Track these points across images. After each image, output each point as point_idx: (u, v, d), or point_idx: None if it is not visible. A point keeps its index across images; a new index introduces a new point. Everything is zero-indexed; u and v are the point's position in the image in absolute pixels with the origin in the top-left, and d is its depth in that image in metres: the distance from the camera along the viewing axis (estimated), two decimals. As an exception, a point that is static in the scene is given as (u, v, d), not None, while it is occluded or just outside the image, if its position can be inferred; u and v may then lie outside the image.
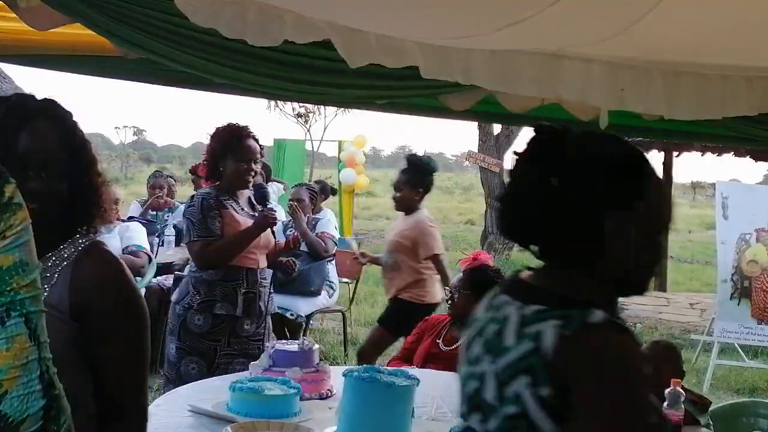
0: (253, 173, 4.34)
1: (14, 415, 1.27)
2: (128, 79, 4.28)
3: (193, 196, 4.45)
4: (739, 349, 8.18)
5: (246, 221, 4.28)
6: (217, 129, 4.38)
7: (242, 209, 4.35)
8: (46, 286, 1.80)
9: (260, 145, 4.44)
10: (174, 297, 4.43)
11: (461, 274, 4.34)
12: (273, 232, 4.39)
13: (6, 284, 1.29)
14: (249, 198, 4.44)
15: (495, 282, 4.27)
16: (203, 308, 4.19)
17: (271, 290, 4.47)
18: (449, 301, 4.30)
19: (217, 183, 4.36)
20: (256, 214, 4.33)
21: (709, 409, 3.33)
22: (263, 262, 4.38)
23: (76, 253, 1.90)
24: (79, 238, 1.94)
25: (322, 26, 3.08)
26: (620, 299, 1.69)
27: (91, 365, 1.85)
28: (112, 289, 1.90)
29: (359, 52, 3.16)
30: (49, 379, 1.33)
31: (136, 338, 1.92)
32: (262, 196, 4.37)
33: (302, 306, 7.20)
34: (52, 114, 1.93)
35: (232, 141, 4.30)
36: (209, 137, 4.42)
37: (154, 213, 8.40)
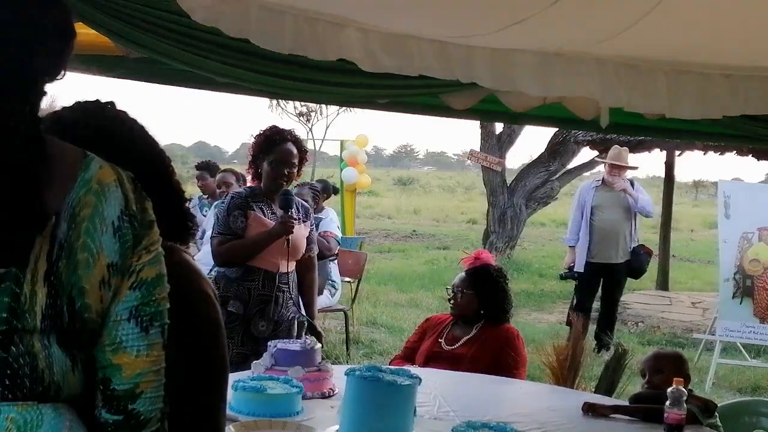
0: (286, 177, 4.35)
1: (146, 414, 1.45)
2: (130, 79, 4.27)
3: (227, 194, 4.61)
4: (742, 348, 8.18)
5: (271, 224, 4.29)
6: (260, 131, 4.43)
7: (273, 213, 4.36)
8: None
9: (303, 149, 4.44)
10: None
11: (463, 273, 4.33)
12: (287, 240, 4.29)
13: (152, 295, 1.45)
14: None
15: (497, 282, 4.30)
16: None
17: (292, 296, 4.43)
18: (451, 301, 4.30)
19: (258, 184, 4.43)
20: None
21: (716, 411, 3.32)
22: (285, 267, 4.35)
23: None
24: None
25: (321, 30, 3.08)
26: None
27: None
28: (177, 297, 1.62)
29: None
30: (166, 387, 1.49)
31: (206, 351, 1.77)
32: (286, 202, 4.34)
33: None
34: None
35: (267, 144, 4.34)
36: (252, 138, 4.47)
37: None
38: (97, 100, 1.84)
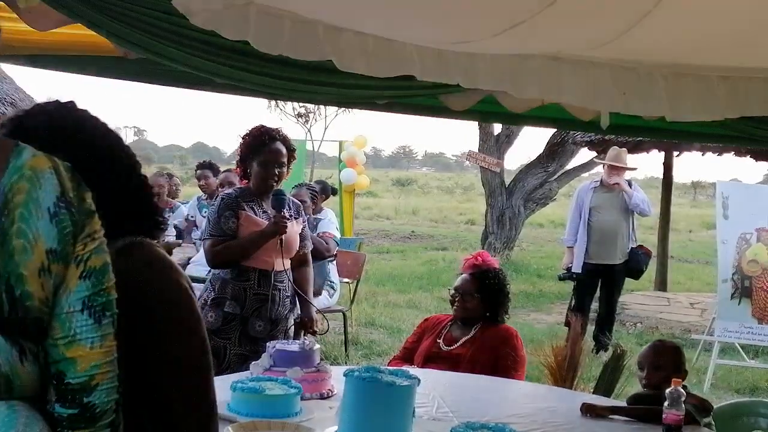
0: (276, 177, 4.35)
1: (101, 405, 1.44)
2: (129, 79, 4.28)
3: (217, 196, 4.52)
4: (740, 349, 8.18)
5: (263, 224, 4.28)
6: (248, 131, 4.42)
7: (264, 212, 4.36)
8: None
9: (291, 148, 4.44)
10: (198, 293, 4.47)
11: (468, 275, 4.33)
12: (281, 240, 4.28)
13: (101, 284, 1.44)
14: None
15: (503, 285, 4.32)
16: (215, 305, 4.25)
17: (288, 294, 4.43)
18: (456, 303, 4.29)
19: (247, 184, 4.42)
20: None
21: (711, 412, 3.33)
22: (280, 265, 4.34)
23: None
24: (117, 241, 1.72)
25: (319, 33, 3.08)
26: None
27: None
28: (151, 290, 1.71)
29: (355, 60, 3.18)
30: (119, 378, 1.48)
31: (186, 340, 1.78)
32: (278, 202, 4.34)
33: (303, 306, 7.20)
34: None
35: (256, 144, 4.33)
36: (241, 139, 4.45)
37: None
38: (57, 101, 1.83)
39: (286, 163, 4.39)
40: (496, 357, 4.12)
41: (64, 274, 1.41)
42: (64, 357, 1.41)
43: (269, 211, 4.36)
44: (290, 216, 4.37)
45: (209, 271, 4.62)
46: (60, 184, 1.41)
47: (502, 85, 3.51)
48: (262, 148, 4.32)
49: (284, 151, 4.37)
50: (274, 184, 4.36)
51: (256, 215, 4.33)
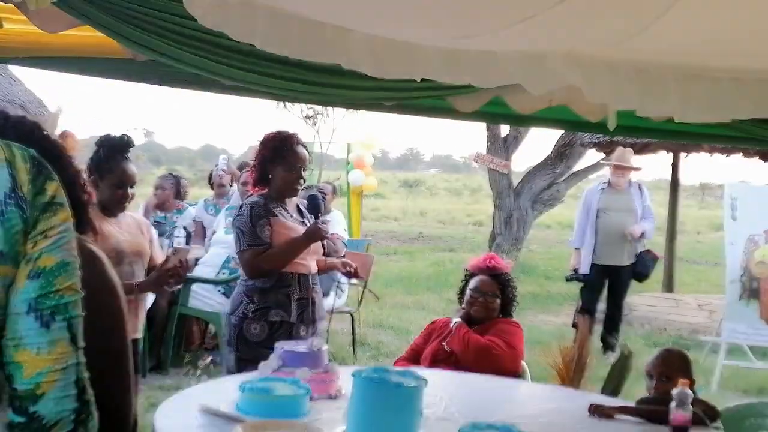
0: (302, 181, 4.37)
1: (49, 416, 1.31)
2: (138, 81, 4.30)
3: (242, 205, 4.40)
4: (748, 350, 8.16)
5: (296, 228, 4.28)
6: (267, 136, 4.39)
7: (291, 216, 4.36)
8: None
9: (309, 152, 4.46)
10: (227, 308, 4.41)
11: (487, 278, 4.38)
12: (323, 243, 4.38)
13: (51, 286, 1.33)
14: (297, 205, 4.48)
15: (514, 287, 4.38)
16: (258, 316, 4.20)
17: (320, 295, 4.49)
18: (475, 304, 4.31)
19: (265, 190, 4.37)
20: (305, 222, 4.37)
21: (718, 418, 3.32)
22: (314, 268, 4.39)
23: None
24: None
25: (327, 35, 3.09)
26: None
27: None
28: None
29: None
30: (83, 384, 1.37)
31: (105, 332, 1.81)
32: (315, 207, 4.40)
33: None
34: None
35: (281, 149, 4.31)
36: (258, 144, 4.43)
37: (163, 215, 8.41)
38: None
39: (308, 167, 4.44)
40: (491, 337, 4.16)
41: (15, 274, 1.32)
42: (12, 360, 1.32)
43: (294, 215, 4.38)
44: (327, 221, 4.44)
45: (234, 274, 4.63)
46: (11, 177, 1.32)
47: (513, 81, 3.51)
48: (289, 152, 4.30)
49: (306, 155, 4.39)
50: (300, 187, 4.39)
51: (285, 219, 4.31)
